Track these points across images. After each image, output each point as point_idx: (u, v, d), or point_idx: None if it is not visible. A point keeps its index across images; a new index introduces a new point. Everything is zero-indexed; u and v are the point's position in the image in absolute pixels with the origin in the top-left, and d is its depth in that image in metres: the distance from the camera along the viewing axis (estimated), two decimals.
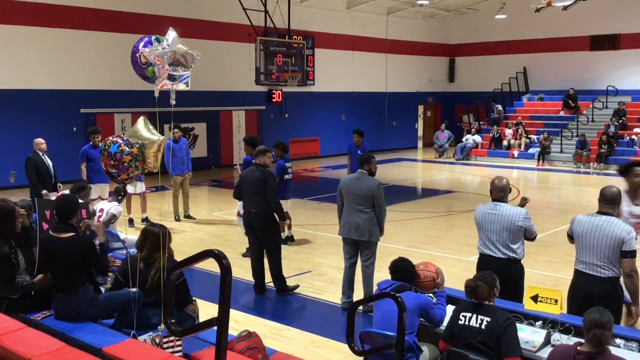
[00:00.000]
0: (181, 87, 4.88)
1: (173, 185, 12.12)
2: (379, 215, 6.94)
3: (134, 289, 4.91)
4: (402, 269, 5.09)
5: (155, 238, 4.89)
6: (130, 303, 4.92)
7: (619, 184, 5.81)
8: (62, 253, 4.78)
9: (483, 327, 4.25)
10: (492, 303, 4.41)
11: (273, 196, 7.66)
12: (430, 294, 5.26)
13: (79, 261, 4.80)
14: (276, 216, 7.82)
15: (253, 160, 8.09)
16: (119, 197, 8.39)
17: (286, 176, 9.81)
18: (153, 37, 5.04)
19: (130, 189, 11.30)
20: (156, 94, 4.85)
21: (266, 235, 7.77)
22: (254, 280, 7.92)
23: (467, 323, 4.33)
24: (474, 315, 4.33)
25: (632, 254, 4.86)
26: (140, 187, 11.52)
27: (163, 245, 4.85)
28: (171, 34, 4.91)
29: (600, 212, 5.08)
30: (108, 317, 5.08)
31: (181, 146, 11.94)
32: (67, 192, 9.29)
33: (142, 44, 4.98)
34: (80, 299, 4.78)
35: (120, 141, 4.83)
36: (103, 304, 4.95)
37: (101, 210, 8.13)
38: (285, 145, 10.02)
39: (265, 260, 7.92)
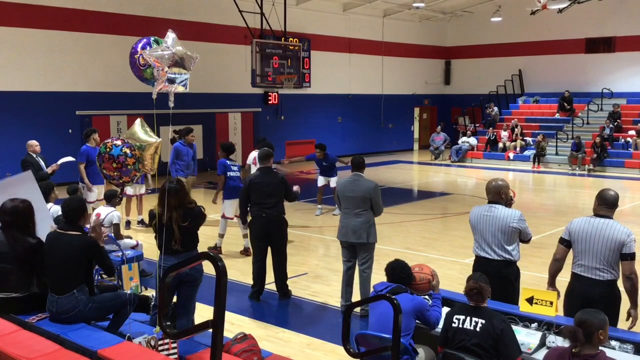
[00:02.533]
0: (180, 89, 4.87)
1: None
2: (377, 212, 6.98)
3: (128, 291, 4.92)
4: (398, 271, 5.09)
5: (174, 199, 5.16)
6: (125, 305, 4.91)
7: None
8: (64, 249, 4.76)
9: (478, 329, 4.25)
10: (485, 304, 4.42)
11: (294, 195, 7.99)
12: (426, 296, 5.26)
13: (79, 260, 4.78)
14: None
15: (260, 164, 8.02)
16: (118, 200, 8.32)
17: None
18: (152, 39, 5.02)
19: (129, 190, 11.28)
20: (154, 96, 4.84)
21: (282, 238, 7.74)
22: (254, 286, 7.77)
23: (460, 325, 4.33)
24: (468, 318, 4.33)
25: (631, 256, 4.87)
26: (140, 188, 11.49)
27: (188, 200, 5.29)
28: (170, 35, 4.89)
29: (598, 215, 5.08)
30: (103, 318, 5.07)
31: (188, 150, 11.60)
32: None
33: (140, 45, 4.97)
34: (76, 300, 4.76)
35: (122, 144, 4.81)
36: (98, 305, 4.93)
37: (97, 214, 8.06)
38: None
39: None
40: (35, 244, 4.91)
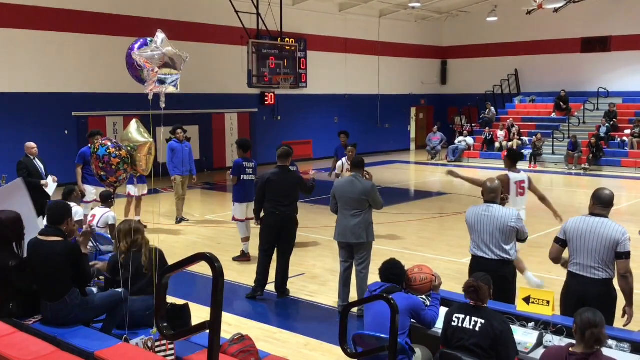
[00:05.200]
0: (170, 89, 4.84)
1: (175, 186, 12.14)
2: (376, 207, 7.09)
3: (119, 289, 4.90)
4: (390, 270, 5.10)
5: (125, 231, 5.14)
6: (119, 303, 4.89)
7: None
8: (47, 257, 4.71)
9: (477, 329, 4.25)
10: (485, 305, 4.42)
11: (310, 190, 8.27)
12: (423, 296, 5.26)
13: (64, 267, 4.72)
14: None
15: (277, 162, 8.05)
16: (110, 200, 8.31)
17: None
18: (149, 40, 4.99)
19: (132, 191, 11.30)
20: (150, 97, 4.82)
21: (290, 237, 7.85)
22: (257, 278, 7.81)
23: (460, 325, 4.34)
24: (468, 317, 4.33)
25: (626, 255, 4.88)
26: (142, 189, 11.48)
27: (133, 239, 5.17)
28: (160, 35, 4.87)
29: (593, 214, 5.09)
30: (99, 319, 5.05)
31: (183, 148, 11.97)
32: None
33: (137, 45, 4.94)
34: (69, 305, 4.73)
35: (109, 144, 4.80)
36: (93, 305, 4.91)
37: (93, 215, 8.06)
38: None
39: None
40: (15, 265, 4.83)
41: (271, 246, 7.82)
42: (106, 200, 8.23)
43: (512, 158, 8.02)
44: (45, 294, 4.78)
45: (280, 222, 7.71)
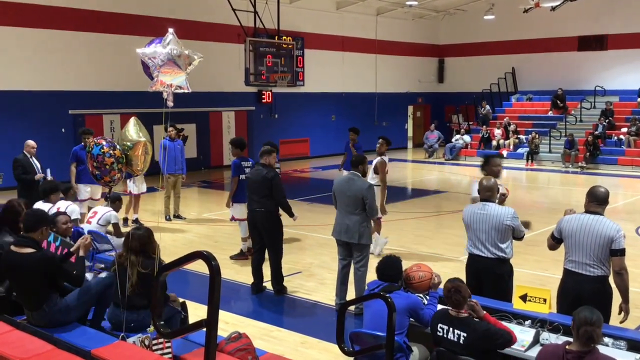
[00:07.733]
0: (179, 90, 4.82)
1: (165, 184, 12.11)
2: (370, 213, 6.98)
3: (103, 274, 4.79)
4: (384, 269, 5.11)
5: (135, 242, 4.85)
6: (104, 291, 4.81)
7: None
8: (21, 270, 4.62)
9: (461, 342, 4.26)
10: (466, 313, 4.40)
11: (280, 195, 7.80)
12: (420, 295, 5.27)
13: (39, 278, 4.62)
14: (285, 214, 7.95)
15: (259, 160, 8.08)
16: (117, 202, 8.25)
17: None
18: (163, 39, 4.99)
19: (134, 189, 11.28)
20: (164, 96, 4.81)
21: (269, 234, 7.81)
22: (253, 280, 7.89)
23: (445, 335, 4.35)
24: (451, 329, 4.33)
25: (621, 252, 4.90)
26: (143, 187, 11.45)
27: (152, 249, 4.85)
28: (169, 36, 4.88)
29: (588, 212, 5.11)
30: (88, 312, 5.05)
31: (175, 146, 11.93)
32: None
33: (153, 45, 4.94)
34: (49, 313, 4.68)
35: (103, 143, 4.79)
36: (76, 303, 4.83)
37: (94, 212, 8.00)
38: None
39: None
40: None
41: (257, 242, 7.91)
42: (114, 202, 8.15)
43: (388, 144, 10.62)
44: (25, 304, 4.76)
45: (257, 220, 7.82)
